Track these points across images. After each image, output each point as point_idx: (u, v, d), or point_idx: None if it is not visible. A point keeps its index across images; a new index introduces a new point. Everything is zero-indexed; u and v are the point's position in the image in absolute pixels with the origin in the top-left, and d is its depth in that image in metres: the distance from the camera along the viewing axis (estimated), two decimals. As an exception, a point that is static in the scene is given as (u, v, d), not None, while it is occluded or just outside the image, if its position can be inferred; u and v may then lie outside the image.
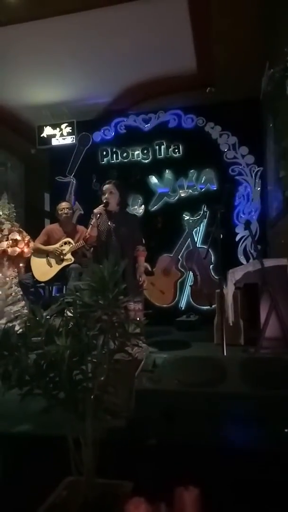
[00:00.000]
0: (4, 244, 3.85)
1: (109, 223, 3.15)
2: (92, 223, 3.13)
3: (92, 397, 1.08)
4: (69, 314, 1.15)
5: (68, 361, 1.03)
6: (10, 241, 3.88)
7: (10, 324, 1.15)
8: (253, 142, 4.89)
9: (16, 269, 3.97)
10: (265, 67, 4.09)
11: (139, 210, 5.27)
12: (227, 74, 4.42)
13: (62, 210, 3.76)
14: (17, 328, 1.14)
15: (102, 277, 1.05)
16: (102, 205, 3.13)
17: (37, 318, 1.14)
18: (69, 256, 3.55)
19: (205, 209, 5.06)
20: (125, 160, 5.40)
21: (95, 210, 3.13)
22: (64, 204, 3.83)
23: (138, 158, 5.36)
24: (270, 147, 4.39)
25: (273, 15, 3.65)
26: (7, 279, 3.86)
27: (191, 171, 5.14)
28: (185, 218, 5.11)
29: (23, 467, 1.32)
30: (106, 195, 3.15)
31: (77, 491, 1.10)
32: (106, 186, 3.20)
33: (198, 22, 3.85)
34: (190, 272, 5.07)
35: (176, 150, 5.22)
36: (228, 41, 4.05)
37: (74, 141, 5.46)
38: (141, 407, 1.34)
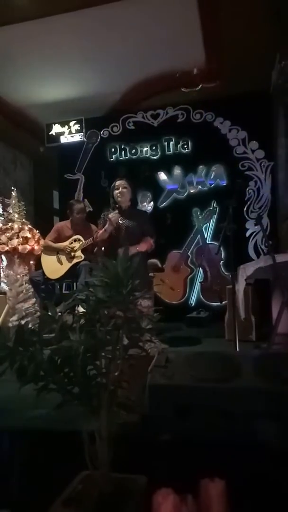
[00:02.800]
0: (15, 241, 3.88)
1: (120, 220, 3.16)
2: (105, 228, 3.09)
3: (106, 392, 1.09)
4: (81, 310, 1.16)
5: (82, 357, 1.03)
6: (21, 239, 3.91)
7: (23, 321, 1.15)
8: (263, 137, 4.84)
9: (26, 267, 4.00)
10: (275, 60, 4.03)
11: (148, 206, 5.26)
12: (237, 68, 4.37)
13: (78, 213, 3.69)
14: (29, 325, 1.15)
15: (116, 272, 1.05)
16: (115, 211, 3.09)
17: (50, 314, 1.15)
18: (79, 253, 3.56)
19: (214, 205, 5.03)
20: (134, 157, 5.39)
21: (112, 218, 3.06)
22: (80, 207, 3.71)
23: (147, 155, 5.34)
24: (280, 141, 4.34)
25: (283, 7, 3.59)
26: (18, 276, 3.89)
27: (200, 167, 5.11)
28: (195, 214, 5.08)
29: (39, 461, 1.34)
30: (120, 190, 3.14)
31: (92, 485, 1.11)
32: (118, 182, 3.19)
33: (207, 15, 3.81)
34: (200, 268, 5.05)
35: (185, 146, 5.19)
36: (237, 34, 4.00)
37: (82, 139, 5.47)
38: (155, 402, 1.34)
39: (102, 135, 5.53)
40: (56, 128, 5.55)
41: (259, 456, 1.20)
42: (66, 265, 3.57)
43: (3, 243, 3.88)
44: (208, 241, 5.06)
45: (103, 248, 3.35)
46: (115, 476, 1.12)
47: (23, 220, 4.12)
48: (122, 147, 5.44)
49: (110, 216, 3.08)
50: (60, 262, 3.62)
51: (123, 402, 1.13)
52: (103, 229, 3.12)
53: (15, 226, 3.97)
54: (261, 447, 1.23)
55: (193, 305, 5.00)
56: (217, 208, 5.00)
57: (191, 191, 5.16)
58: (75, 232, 3.68)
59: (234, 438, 1.27)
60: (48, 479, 1.23)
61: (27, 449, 1.36)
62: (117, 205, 3.13)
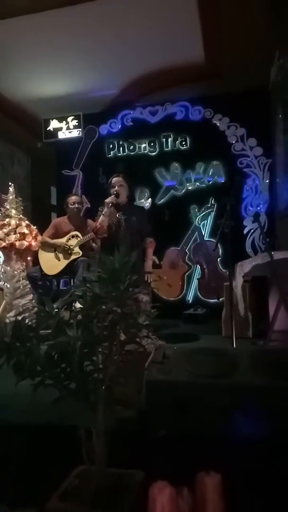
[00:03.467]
0: (12, 237, 3.86)
1: (117, 215, 3.15)
2: (104, 213, 3.09)
3: (103, 387, 1.09)
4: (78, 306, 1.16)
5: (79, 352, 1.03)
6: (18, 235, 3.89)
7: (20, 317, 1.15)
8: (262, 134, 4.82)
9: (24, 263, 3.99)
10: (274, 57, 4.02)
11: (146, 203, 5.25)
12: (235, 64, 4.35)
13: (73, 204, 3.73)
14: (26, 321, 1.15)
15: (114, 268, 1.05)
16: (113, 195, 3.10)
17: (47, 310, 1.15)
18: (77, 249, 3.55)
19: (212, 202, 5.03)
20: (132, 153, 5.37)
21: (107, 200, 3.09)
22: (74, 198, 3.81)
23: (145, 151, 5.32)
24: (279, 138, 4.33)
25: (282, 3, 3.58)
26: (15, 272, 3.88)
27: (199, 163, 5.09)
28: (193, 211, 5.08)
29: (36, 456, 1.34)
30: (116, 188, 3.14)
31: (88, 480, 1.12)
32: (115, 179, 3.19)
33: (206, 11, 3.78)
34: (198, 265, 5.05)
35: (183, 143, 5.17)
36: (237, 31, 3.98)
37: (80, 134, 5.45)
38: (152, 398, 1.35)
39: (100, 131, 5.50)
40: (54, 124, 5.52)
41: (255, 450, 1.21)
42: (64, 262, 3.57)
43: (0, 239, 3.87)
44: (205, 238, 5.05)
45: (99, 242, 3.34)
46: (112, 471, 1.13)
47: (21, 216, 4.10)
48: (120, 143, 5.41)
49: (106, 200, 3.09)
50: (58, 258, 3.62)
51: (120, 398, 1.13)
52: (102, 215, 3.09)
53: (12, 222, 3.95)
54: (257, 442, 1.23)
55: (190, 301, 5.00)
56: (215, 205, 5.00)
57: (189, 187, 5.16)
58: (73, 227, 3.68)
59: (230, 433, 1.28)
60: (45, 474, 1.24)
61: (23, 443, 1.36)
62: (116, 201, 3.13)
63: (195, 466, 1.00)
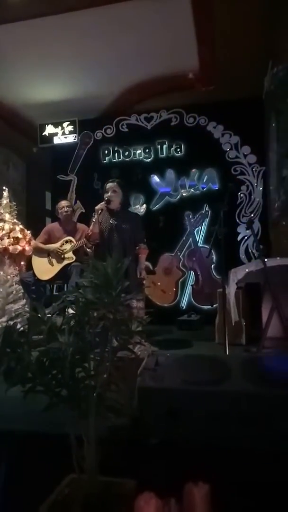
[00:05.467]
0: (6, 242, 3.84)
1: (111, 221, 3.15)
2: (94, 219, 3.13)
3: (94, 394, 1.08)
4: (71, 312, 1.15)
5: (70, 359, 1.02)
6: (12, 239, 3.87)
7: (12, 322, 1.14)
8: (256, 142, 4.87)
9: (17, 267, 3.96)
10: (268, 66, 4.08)
11: (141, 209, 5.26)
12: (230, 73, 4.40)
13: (62, 208, 3.74)
14: (18, 326, 1.14)
15: (106, 274, 1.05)
16: (104, 202, 3.13)
17: (39, 316, 1.14)
18: (70, 254, 3.54)
19: (206, 209, 5.05)
20: (127, 159, 5.39)
21: (97, 207, 3.14)
22: (63, 203, 3.82)
23: (140, 157, 5.35)
24: (272, 146, 4.37)
25: (276, 14, 3.64)
26: (8, 277, 3.85)
27: (193, 170, 5.12)
28: (187, 218, 5.10)
29: (25, 465, 1.32)
30: (109, 194, 3.15)
31: (79, 489, 1.10)
32: (109, 185, 3.20)
33: (201, 20, 3.83)
34: (191, 271, 5.06)
35: (178, 149, 5.20)
36: (231, 40, 4.03)
37: (76, 140, 5.46)
38: (144, 406, 1.33)
39: (95, 137, 5.52)
40: (49, 129, 5.52)
41: (246, 459, 1.20)
42: (57, 267, 3.55)
43: (-6, 243, 3.84)
44: (199, 244, 5.07)
45: (93, 247, 3.35)
46: (103, 479, 1.11)
47: (15, 220, 4.08)
48: (116, 149, 5.43)
49: (96, 207, 3.12)
50: (51, 264, 3.60)
51: (111, 405, 1.12)
52: (93, 222, 3.12)
53: (6, 226, 3.93)
54: (249, 450, 1.23)
55: (184, 308, 5.00)
56: (209, 212, 5.02)
57: (184, 194, 5.18)
58: (65, 232, 3.68)
59: (222, 441, 1.27)
60: (34, 483, 1.22)
61: (12, 451, 1.34)
62: (107, 206, 3.14)
63: (184, 476, 0.99)
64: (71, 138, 5.46)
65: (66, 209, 3.75)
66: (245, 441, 1.29)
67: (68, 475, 1.15)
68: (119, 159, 5.41)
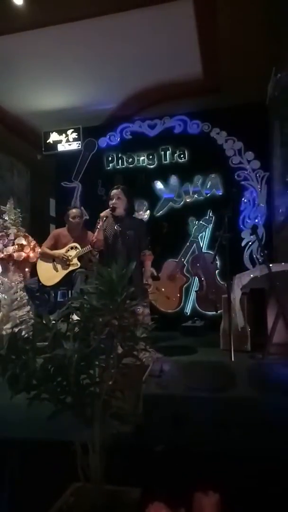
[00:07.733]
0: (10, 249, 3.85)
1: (115, 228, 3.16)
2: (98, 226, 3.13)
3: (100, 401, 1.07)
4: (75, 318, 1.15)
5: (75, 365, 1.02)
6: (16, 246, 3.88)
7: (16, 329, 1.14)
8: (259, 148, 4.88)
9: (21, 274, 3.97)
10: (271, 72, 4.10)
11: (145, 215, 5.27)
12: (233, 80, 4.43)
13: (73, 218, 3.72)
14: (23, 333, 1.14)
15: (111, 280, 1.05)
16: (108, 209, 3.14)
17: (44, 322, 1.14)
18: (75, 261, 3.55)
19: (210, 215, 5.05)
20: (131, 166, 5.41)
21: (102, 214, 3.15)
22: (75, 211, 3.78)
23: (144, 164, 5.37)
24: (276, 152, 4.38)
25: (279, 20, 3.67)
26: (13, 284, 3.86)
27: (197, 176, 5.13)
28: (191, 223, 5.10)
29: (29, 473, 1.31)
30: (114, 200, 3.16)
31: (84, 498, 1.09)
32: (114, 192, 3.21)
33: (204, 27, 3.87)
34: (196, 277, 5.05)
35: (182, 156, 5.22)
36: (234, 46, 4.06)
37: (80, 147, 5.50)
38: (149, 412, 1.32)
39: (99, 144, 5.56)
40: (53, 136, 5.57)
41: (254, 467, 1.19)
42: (62, 273, 3.56)
43: (-2, 250, 3.86)
44: (203, 250, 5.06)
45: (97, 255, 3.36)
46: (108, 488, 1.10)
47: (19, 227, 4.10)
48: (119, 156, 5.46)
49: (101, 214, 3.14)
50: (56, 270, 3.60)
51: (117, 412, 1.11)
52: (97, 229, 3.13)
53: (11, 233, 3.95)
54: (255, 458, 1.21)
55: (188, 314, 4.98)
56: (213, 218, 5.02)
57: (187, 200, 5.19)
58: (72, 239, 3.69)
59: (229, 449, 1.25)
60: (39, 491, 1.21)
61: (17, 459, 1.33)
62: (111, 213, 3.16)
63: (192, 484, 0.98)
64: (75, 145, 5.50)
65: (77, 220, 3.73)
66: (251, 449, 1.27)
67: (73, 484, 1.14)
68: (123, 166, 5.44)
